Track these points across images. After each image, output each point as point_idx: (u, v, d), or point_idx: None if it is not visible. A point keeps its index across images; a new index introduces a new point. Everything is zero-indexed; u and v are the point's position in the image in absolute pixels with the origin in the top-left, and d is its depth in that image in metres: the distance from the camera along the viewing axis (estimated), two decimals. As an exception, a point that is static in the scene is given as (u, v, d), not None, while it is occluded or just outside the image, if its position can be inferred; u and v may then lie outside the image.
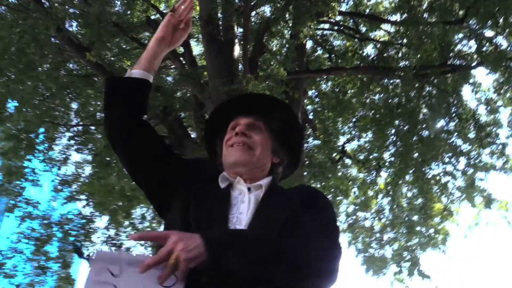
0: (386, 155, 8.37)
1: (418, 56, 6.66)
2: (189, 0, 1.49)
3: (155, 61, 1.47)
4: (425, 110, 7.95)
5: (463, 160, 7.97)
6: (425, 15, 7.55)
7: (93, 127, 6.82)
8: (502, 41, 6.97)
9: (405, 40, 7.40)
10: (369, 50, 9.41)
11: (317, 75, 7.66)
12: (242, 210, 1.24)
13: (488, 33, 7.11)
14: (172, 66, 8.50)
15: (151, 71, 1.45)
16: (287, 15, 6.09)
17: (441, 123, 7.96)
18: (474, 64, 7.70)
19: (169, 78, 8.74)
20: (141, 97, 1.44)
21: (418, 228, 8.21)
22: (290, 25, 6.15)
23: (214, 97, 5.82)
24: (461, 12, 7.16)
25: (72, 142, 6.88)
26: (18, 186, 6.31)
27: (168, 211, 1.34)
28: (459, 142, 7.98)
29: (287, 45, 6.24)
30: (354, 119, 8.48)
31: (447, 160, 7.95)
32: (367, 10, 9.38)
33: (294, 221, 1.20)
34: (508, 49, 7.01)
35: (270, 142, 1.44)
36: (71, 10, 5.95)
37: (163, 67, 8.55)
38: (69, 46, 5.41)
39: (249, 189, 1.31)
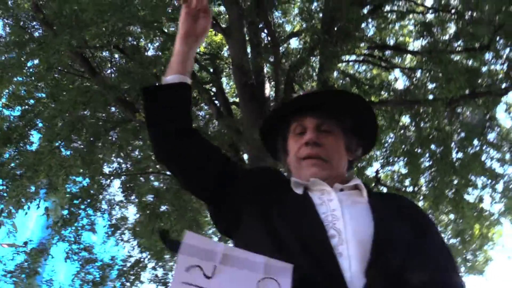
0: (421, 180, 8.39)
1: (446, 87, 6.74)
2: None
3: (187, 62, 1.30)
4: (458, 135, 7.97)
5: (501, 183, 7.91)
6: (451, 41, 7.65)
7: (139, 175, 7.29)
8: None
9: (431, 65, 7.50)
10: (397, 74, 9.57)
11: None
12: (334, 207, 1.10)
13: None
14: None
15: (186, 73, 1.29)
16: (314, 59, 6.36)
17: (475, 147, 7.94)
18: (505, 86, 7.66)
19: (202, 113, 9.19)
20: (183, 103, 1.28)
21: (459, 253, 8.14)
22: (317, 67, 6.44)
23: (250, 141, 6.15)
24: (486, 37, 7.20)
25: (120, 189, 7.36)
26: (75, 232, 6.79)
27: (239, 228, 1.17)
28: (495, 165, 7.94)
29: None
30: (386, 145, 8.57)
31: (484, 184, 7.91)
32: (392, 35, 9.55)
33: (421, 245, 1.06)
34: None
35: (343, 141, 1.30)
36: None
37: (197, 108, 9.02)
38: (119, 104, 5.90)
39: (341, 189, 1.18)
